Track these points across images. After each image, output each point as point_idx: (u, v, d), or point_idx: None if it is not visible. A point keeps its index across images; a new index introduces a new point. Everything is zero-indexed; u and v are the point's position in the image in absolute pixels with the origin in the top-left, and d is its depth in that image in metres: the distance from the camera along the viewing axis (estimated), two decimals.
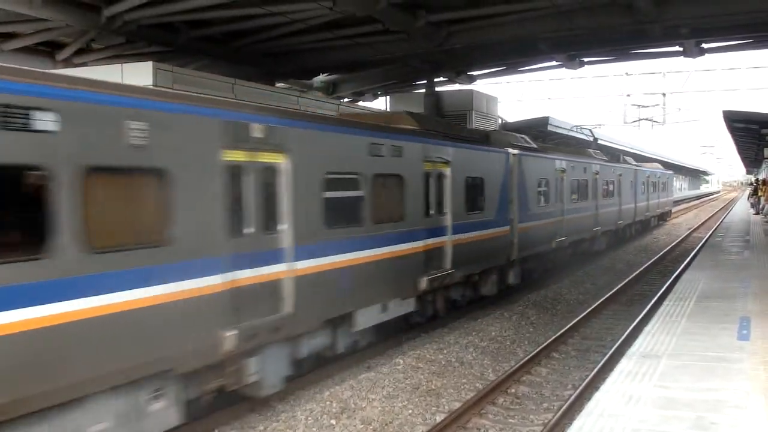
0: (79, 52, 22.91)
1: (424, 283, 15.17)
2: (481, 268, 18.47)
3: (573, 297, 21.80)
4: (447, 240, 16.37)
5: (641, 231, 43.21)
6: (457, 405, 11.53)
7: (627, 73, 51.76)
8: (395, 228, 14.20)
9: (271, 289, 10.63)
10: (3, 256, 7.04)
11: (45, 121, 7.38)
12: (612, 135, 56.71)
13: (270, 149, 10.69)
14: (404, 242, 14.47)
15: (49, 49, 23.14)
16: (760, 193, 49.96)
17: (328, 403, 11.39)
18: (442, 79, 32.39)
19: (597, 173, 30.37)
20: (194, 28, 21.49)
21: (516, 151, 21.06)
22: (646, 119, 53.39)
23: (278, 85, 27.63)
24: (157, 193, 8.82)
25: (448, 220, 16.45)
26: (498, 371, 13.75)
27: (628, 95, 51.65)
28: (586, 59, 29.36)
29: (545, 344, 15.14)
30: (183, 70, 18.91)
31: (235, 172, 10.04)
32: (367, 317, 13.41)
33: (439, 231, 16.02)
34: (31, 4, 17.18)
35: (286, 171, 11.02)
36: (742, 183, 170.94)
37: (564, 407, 11.03)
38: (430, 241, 15.58)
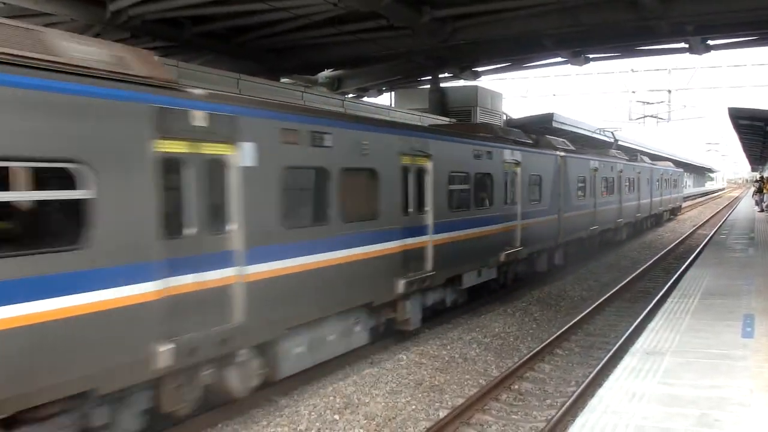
0: None
1: (503, 256, 19.31)
2: (539, 248, 22.73)
3: (576, 294, 21.78)
4: (517, 224, 20.47)
5: (655, 223, 46.99)
6: (460, 401, 11.53)
7: (632, 70, 51.59)
8: (487, 213, 18.40)
9: (421, 253, 15.12)
10: (309, 224, 11.68)
11: (328, 140, 11.94)
12: (628, 135, 59.84)
13: (422, 155, 15.17)
14: (492, 224, 18.71)
15: None
16: (765, 191, 49.81)
17: (331, 398, 11.40)
18: (446, 75, 32.38)
19: (621, 171, 34.04)
20: (198, 24, 21.51)
21: (562, 153, 24.87)
22: (651, 116, 53.30)
23: (283, 80, 27.64)
24: (371, 184, 13.43)
25: (518, 208, 20.52)
26: (501, 367, 13.74)
27: (633, 92, 51.45)
28: (591, 55, 29.37)
29: (548, 341, 15.11)
30: (188, 66, 18.93)
31: (405, 170, 14.55)
32: (470, 279, 17.76)
33: (512, 216, 20.08)
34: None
35: (430, 170, 15.42)
36: (747, 180, 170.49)
37: (567, 404, 11.02)
38: (507, 224, 19.74)
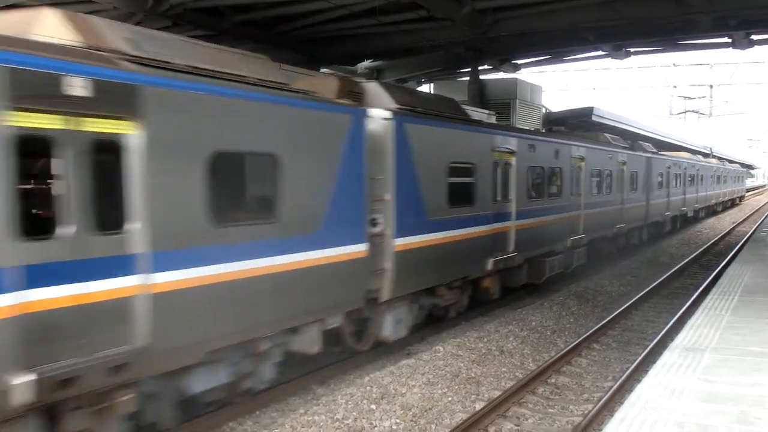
0: None
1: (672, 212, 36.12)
2: (699, 207, 45.36)
3: (614, 289, 21.65)
4: (695, 196, 41.85)
5: (728, 206, 66.94)
6: (496, 393, 11.54)
7: (674, 64, 50.99)
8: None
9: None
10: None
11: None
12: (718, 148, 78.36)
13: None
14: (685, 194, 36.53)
15: None
16: None
17: (368, 388, 11.45)
18: (486, 67, 32.24)
19: (723, 172, 57.83)
20: (238, 13, 21.60)
21: (711, 163, 48.28)
22: (693, 111, 52.74)
23: (322, 70, 27.68)
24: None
25: (704, 188, 44.58)
26: (538, 361, 13.72)
27: (675, 87, 50.92)
28: (632, 49, 29.03)
29: (586, 335, 15.06)
30: None
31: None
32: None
33: (698, 190, 43.99)
34: None
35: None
36: None
37: (605, 398, 10.98)
38: (685, 197, 39.70)
